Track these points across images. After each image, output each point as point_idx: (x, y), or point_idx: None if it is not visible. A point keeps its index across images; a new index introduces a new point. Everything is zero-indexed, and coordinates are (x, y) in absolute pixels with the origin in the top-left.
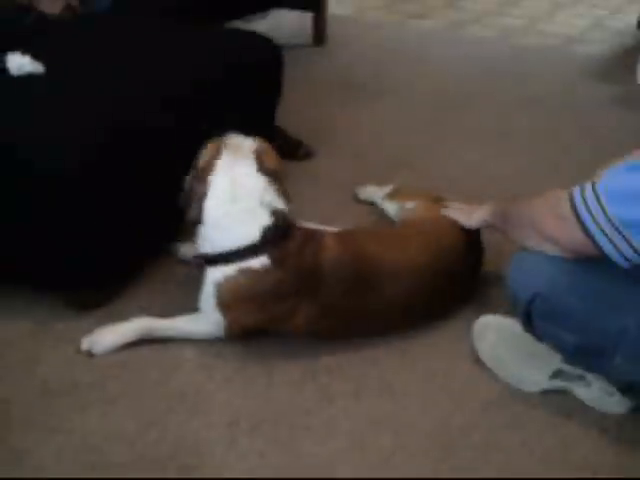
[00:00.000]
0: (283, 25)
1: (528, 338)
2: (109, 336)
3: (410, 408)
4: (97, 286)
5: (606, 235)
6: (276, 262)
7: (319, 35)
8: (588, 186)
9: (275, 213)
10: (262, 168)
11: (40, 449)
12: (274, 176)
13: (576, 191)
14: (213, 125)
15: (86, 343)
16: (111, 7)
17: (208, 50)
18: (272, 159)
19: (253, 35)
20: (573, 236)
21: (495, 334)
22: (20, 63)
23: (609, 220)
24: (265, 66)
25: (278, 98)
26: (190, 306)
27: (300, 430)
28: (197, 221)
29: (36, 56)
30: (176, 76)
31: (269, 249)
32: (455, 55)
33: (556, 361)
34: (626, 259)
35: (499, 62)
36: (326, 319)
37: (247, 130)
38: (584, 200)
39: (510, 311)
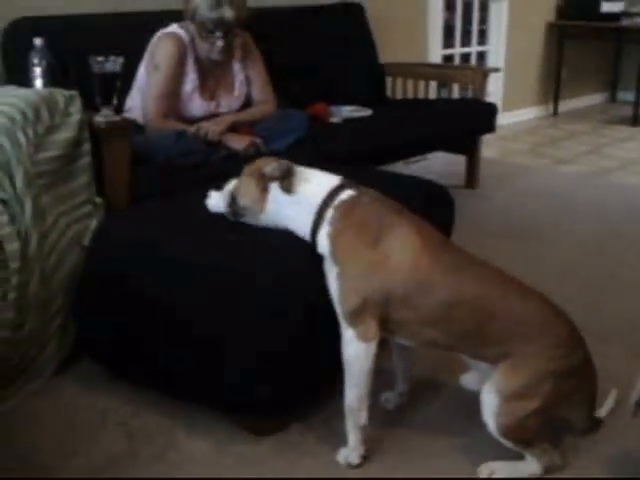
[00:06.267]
0: (435, 166)
1: None
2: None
3: None
4: (272, 414)
5: None
6: (360, 192)
7: (472, 178)
8: None
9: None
10: None
11: None
12: None
13: None
14: None
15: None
16: (288, 148)
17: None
18: None
19: (429, 183)
20: None
21: None
22: (217, 202)
23: None
24: (439, 213)
25: None
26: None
27: None
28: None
29: None
30: None
31: (351, 185)
32: (602, 201)
33: None
34: None
35: None
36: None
37: None
38: None
39: None
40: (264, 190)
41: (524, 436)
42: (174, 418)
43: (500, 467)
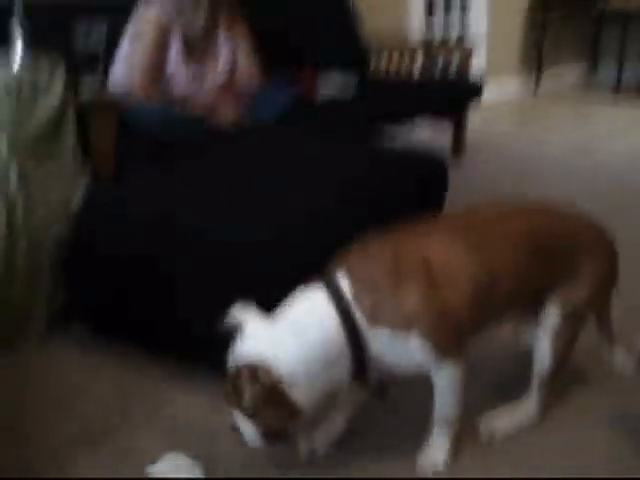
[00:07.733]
0: (420, 136)
1: None
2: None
3: None
4: None
5: None
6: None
7: (458, 147)
8: None
9: None
10: None
11: None
12: None
13: None
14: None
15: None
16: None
17: (377, 166)
18: None
19: (424, 154)
20: None
21: None
22: None
23: None
24: (430, 182)
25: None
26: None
27: None
28: None
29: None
30: (343, 188)
31: (331, 274)
32: (591, 170)
33: None
34: None
35: (628, 179)
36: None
37: None
38: None
39: None
40: (285, 402)
41: (566, 358)
42: (168, 377)
43: (499, 414)
